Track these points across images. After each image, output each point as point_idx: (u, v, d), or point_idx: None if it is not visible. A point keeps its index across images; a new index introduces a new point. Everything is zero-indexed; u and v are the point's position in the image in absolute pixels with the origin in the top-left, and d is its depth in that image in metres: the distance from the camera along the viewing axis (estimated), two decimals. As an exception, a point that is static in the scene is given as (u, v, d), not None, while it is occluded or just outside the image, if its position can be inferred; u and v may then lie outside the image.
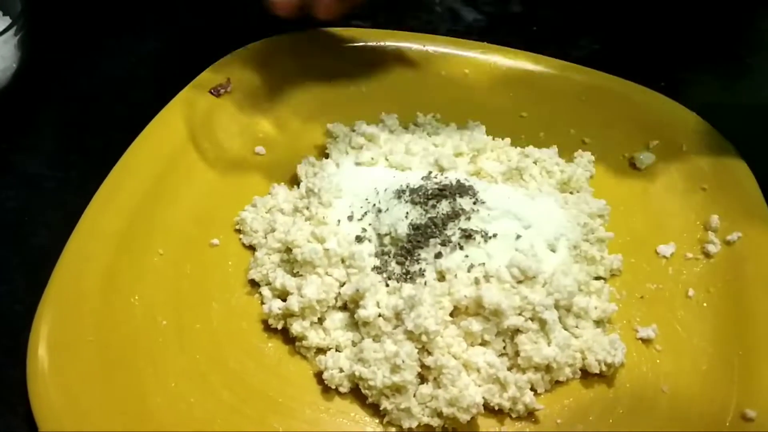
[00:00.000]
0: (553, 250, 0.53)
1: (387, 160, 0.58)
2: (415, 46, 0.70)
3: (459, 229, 0.50)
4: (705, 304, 0.53)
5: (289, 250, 0.51)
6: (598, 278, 0.54)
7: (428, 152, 0.58)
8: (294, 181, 0.59)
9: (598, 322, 0.51)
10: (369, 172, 0.57)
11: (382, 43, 0.70)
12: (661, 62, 0.78)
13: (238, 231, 0.56)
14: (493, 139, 0.62)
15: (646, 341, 0.51)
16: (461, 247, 0.50)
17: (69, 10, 0.79)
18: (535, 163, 0.59)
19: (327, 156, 0.60)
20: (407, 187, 0.54)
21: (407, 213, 0.52)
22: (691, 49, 0.81)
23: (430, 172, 0.56)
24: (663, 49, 0.80)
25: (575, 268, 0.52)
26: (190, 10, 0.81)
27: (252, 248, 0.55)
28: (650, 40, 0.81)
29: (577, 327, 0.50)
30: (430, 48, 0.70)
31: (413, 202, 0.52)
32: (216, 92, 0.64)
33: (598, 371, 0.48)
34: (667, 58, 0.79)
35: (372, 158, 0.57)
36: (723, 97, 0.75)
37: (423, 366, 0.46)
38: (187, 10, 0.81)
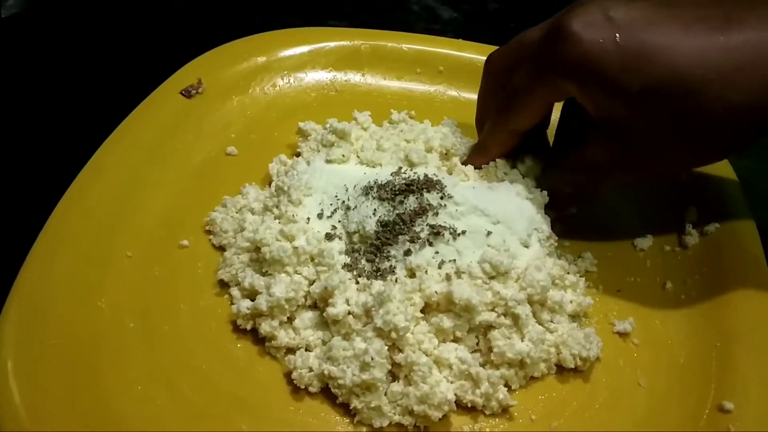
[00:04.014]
0: (526, 246, 0.52)
1: (358, 157, 0.58)
2: (390, 44, 0.70)
3: (427, 225, 0.49)
4: (682, 297, 0.52)
5: (258, 250, 0.50)
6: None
7: (399, 148, 0.58)
8: (266, 181, 0.59)
9: (574, 317, 0.51)
10: (340, 170, 0.56)
11: (356, 42, 0.69)
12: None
13: (208, 232, 0.55)
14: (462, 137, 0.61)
15: (623, 335, 0.50)
16: (431, 244, 0.49)
17: (36, 13, 0.78)
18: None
19: (299, 155, 0.60)
20: (375, 183, 0.53)
21: (375, 210, 0.51)
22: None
23: (400, 168, 0.55)
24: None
25: (549, 262, 0.51)
26: (159, 12, 0.81)
27: (222, 249, 0.54)
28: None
29: (551, 322, 0.49)
30: (405, 46, 0.69)
31: (381, 199, 0.51)
32: (187, 93, 0.63)
33: (573, 366, 0.48)
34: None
35: (343, 155, 0.57)
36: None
37: (394, 363, 0.45)
38: (156, 12, 0.81)
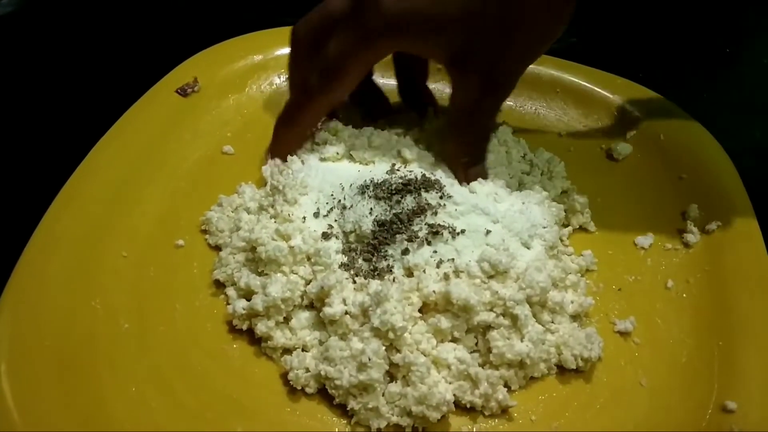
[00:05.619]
0: (528, 247, 0.51)
1: (350, 155, 0.57)
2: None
3: (426, 224, 0.49)
4: (684, 295, 0.52)
5: (253, 249, 0.49)
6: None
7: (391, 144, 0.57)
8: (263, 180, 0.58)
9: (575, 317, 0.50)
10: (335, 168, 0.55)
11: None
12: (638, 54, 0.77)
13: (204, 231, 0.55)
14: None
15: (624, 334, 0.50)
16: (429, 243, 0.48)
17: (31, 12, 0.78)
18: (507, 152, 0.58)
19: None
20: (371, 182, 0.52)
21: (371, 209, 0.50)
22: (669, 40, 0.80)
23: (394, 165, 0.54)
24: (641, 40, 0.79)
25: (550, 264, 0.50)
26: (155, 10, 0.81)
27: (218, 248, 0.53)
28: (628, 32, 0.80)
29: (552, 322, 0.49)
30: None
31: (377, 198, 0.50)
32: (183, 92, 0.63)
33: (574, 366, 0.47)
34: (645, 49, 0.78)
35: (337, 153, 0.56)
36: (701, 87, 0.74)
37: (391, 364, 0.45)
38: (152, 11, 0.81)
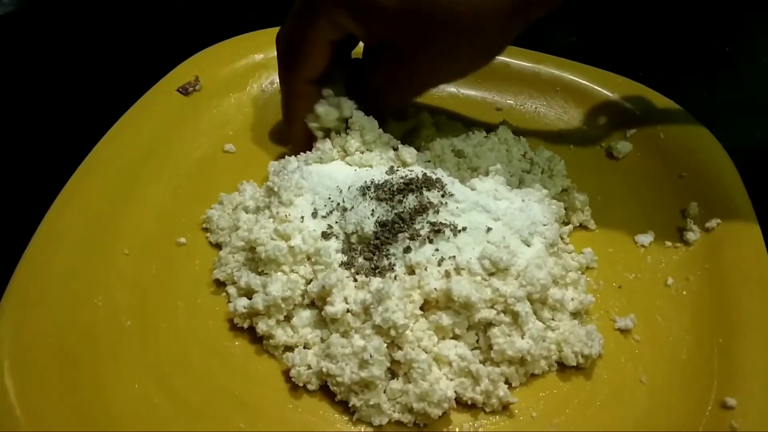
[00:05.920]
0: (528, 245, 0.51)
1: (343, 154, 0.56)
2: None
3: (428, 222, 0.49)
4: (684, 293, 0.52)
5: (253, 249, 0.50)
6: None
7: (388, 146, 0.56)
8: (265, 178, 0.58)
9: (575, 314, 0.50)
10: (330, 169, 0.54)
11: (354, 39, 0.69)
12: (638, 52, 0.77)
13: (205, 229, 0.55)
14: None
15: (624, 331, 0.50)
16: (431, 241, 0.48)
17: (32, 11, 0.78)
18: (507, 151, 0.58)
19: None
20: (372, 183, 0.52)
21: (373, 210, 0.50)
22: (669, 39, 0.80)
23: (392, 167, 0.54)
24: (640, 39, 0.79)
25: (550, 261, 0.50)
26: (157, 9, 0.81)
27: (219, 246, 0.53)
28: (627, 31, 0.80)
29: (553, 319, 0.49)
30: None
31: (378, 199, 0.50)
32: (184, 91, 0.63)
33: (575, 363, 0.47)
34: (645, 48, 0.78)
35: (333, 155, 0.55)
36: (701, 86, 0.74)
37: (393, 361, 0.45)
38: (153, 10, 0.81)
